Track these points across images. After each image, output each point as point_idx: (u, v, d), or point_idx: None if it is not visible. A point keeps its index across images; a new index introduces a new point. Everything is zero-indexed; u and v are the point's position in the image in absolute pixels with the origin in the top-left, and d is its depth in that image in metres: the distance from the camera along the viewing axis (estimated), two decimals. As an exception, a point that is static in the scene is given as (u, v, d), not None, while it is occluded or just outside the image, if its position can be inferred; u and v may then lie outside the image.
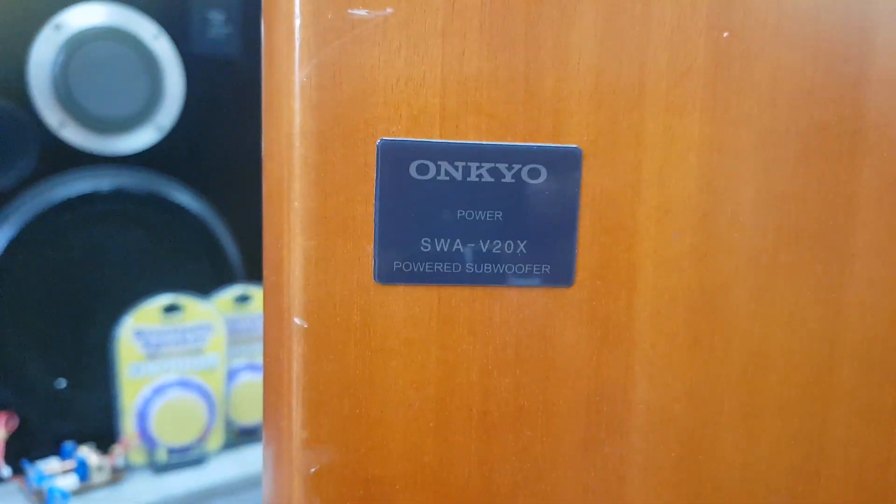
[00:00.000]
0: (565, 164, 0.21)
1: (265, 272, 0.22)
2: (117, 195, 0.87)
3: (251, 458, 0.95)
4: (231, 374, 0.96)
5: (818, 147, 0.22)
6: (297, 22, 0.19)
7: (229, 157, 0.96)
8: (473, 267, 0.21)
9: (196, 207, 0.93)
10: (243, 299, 0.97)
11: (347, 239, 0.20)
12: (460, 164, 0.20)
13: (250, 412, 0.98)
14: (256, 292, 0.93)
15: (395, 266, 0.20)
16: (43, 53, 0.82)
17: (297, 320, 0.20)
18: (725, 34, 0.21)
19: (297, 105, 0.20)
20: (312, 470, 0.21)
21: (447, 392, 0.21)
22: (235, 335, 0.95)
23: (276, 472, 0.22)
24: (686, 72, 0.21)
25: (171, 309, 0.89)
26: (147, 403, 0.88)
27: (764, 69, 0.21)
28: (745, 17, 0.21)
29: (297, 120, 0.20)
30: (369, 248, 0.20)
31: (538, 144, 0.20)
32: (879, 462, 0.24)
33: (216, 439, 0.95)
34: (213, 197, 0.95)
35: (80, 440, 0.88)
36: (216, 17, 0.93)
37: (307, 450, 0.21)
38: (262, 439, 0.23)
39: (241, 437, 0.98)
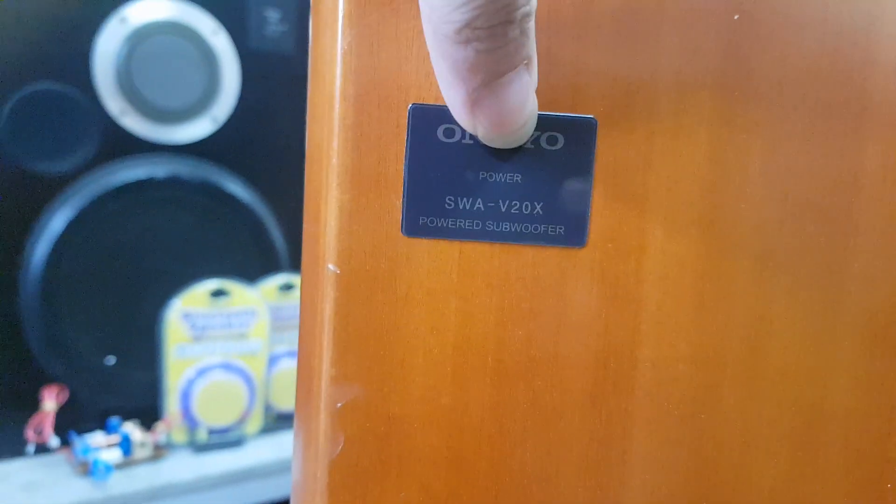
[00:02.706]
0: (581, 132, 0.22)
1: (305, 224, 0.24)
2: (172, 182, 0.92)
3: (287, 443, 0.98)
4: (272, 360, 0.99)
5: (824, 125, 0.23)
6: (341, -5, 0.21)
7: (280, 150, 1.00)
8: (493, 225, 0.23)
9: (246, 197, 0.97)
10: (287, 287, 1.00)
11: (379, 194, 0.22)
12: (484, 130, 0.22)
13: (289, 398, 1.01)
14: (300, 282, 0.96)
15: (420, 221, 0.22)
16: (108, 44, 0.87)
17: (330, 266, 0.22)
18: (736, 16, 0.22)
19: (338, 70, 0.22)
20: (339, 405, 0.23)
21: (464, 340, 0.23)
22: (278, 322, 0.98)
23: (306, 407, 0.24)
24: (697, 52, 0.22)
25: (218, 294, 0.92)
26: (191, 384, 0.92)
27: (773, 50, 0.22)
28: (755, 2, 0.22)
29: (338, 84, 0.22)
30: (398, 203, 0.22)
31: (557, 113, 0.22)
32: (880, 434, 0.25)
33: (255, 423, 0.98)
34: (262, 188, 0.98)
35: (126, 416, 0.92)
36: (273, 14, 0.96)
37: (335, 386, 0.23)
38: (295, 378, 0.25)
39: (279, 421, 1.01)
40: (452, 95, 0.20)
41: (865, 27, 0.23)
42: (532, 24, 0.20)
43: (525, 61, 0.20)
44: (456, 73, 0.20)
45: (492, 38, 0.19)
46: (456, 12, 0.18)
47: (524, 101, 0.21)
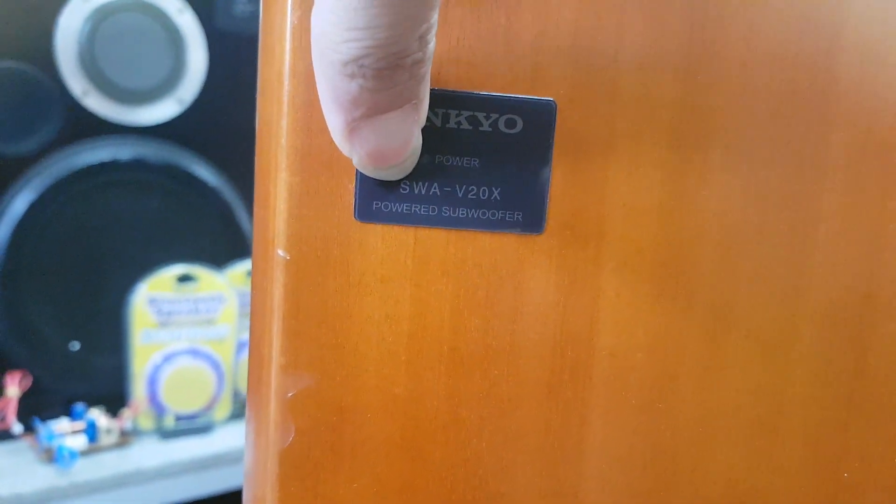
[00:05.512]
0: (541, 115, 0.22)
1: (255, 207, 0.23)
2: (137, 165, 0.90)
3: (256, 429, 0.97)
4: (241, 347, 0.97)
5: (788, 109, 0.22)
6: (291, -32, 0.20)
7: (247, 132, 0.97)
8: (449, 210, 0.22)
9: (213, 181, 0.95)
10: (255, 273, 0.98)
11: (331, 176, 0.21)
12: (440, 111, 0.21)
13: (257, 384, 0.99)
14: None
15: (374, 205, 0.22)
16: (70, 22, 0.84)
17: (280, 252, 0.22)
18: (700, -3, 0.21)
19: (287, 45, 0.21)
20: (290, 394, 0.22)
21: (419, 328, 0.22)
22: (247, 308, 0.97)
23: (257, 396, 0.23)
24: (661, 33, 0.22)
25: (185, 279, 0.91)
26: (157, 370, 0.91)
27: (738, 32, 0.22)
28: (721, -17, 0.22)
29: (288, 60, 0.21)
30: (351, 186, 0.21)
31: (515, 95, 0.21)
32: (838, 424, 0.24)
33: (223, 409, 0.97)
34: (230, 171, 0.97)
35: (91, 402, 0.91)
36: (240, -6, 0.94)
37: (285, 375, 0.22)
38: (247, 367, 0.25)
39: (247, 407, 1.00)
40: (331, 119, 0.20)
41: (831, 11, 0.22)
42: (424, 70, 0.19)
43: (413, 101, 0.19)
44: (336, 101, 0.19)
45: (378, 80, 0.18)
46: (345, 45, 0.17)
47: (406, 139, 0.20)
